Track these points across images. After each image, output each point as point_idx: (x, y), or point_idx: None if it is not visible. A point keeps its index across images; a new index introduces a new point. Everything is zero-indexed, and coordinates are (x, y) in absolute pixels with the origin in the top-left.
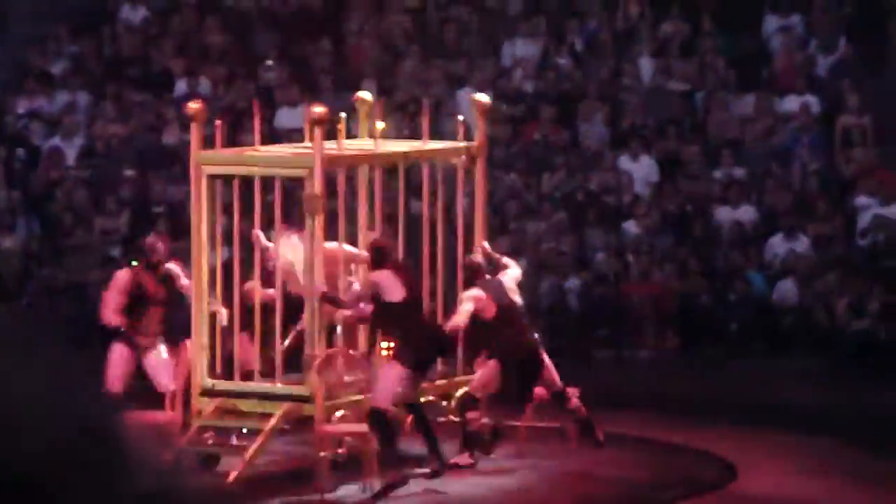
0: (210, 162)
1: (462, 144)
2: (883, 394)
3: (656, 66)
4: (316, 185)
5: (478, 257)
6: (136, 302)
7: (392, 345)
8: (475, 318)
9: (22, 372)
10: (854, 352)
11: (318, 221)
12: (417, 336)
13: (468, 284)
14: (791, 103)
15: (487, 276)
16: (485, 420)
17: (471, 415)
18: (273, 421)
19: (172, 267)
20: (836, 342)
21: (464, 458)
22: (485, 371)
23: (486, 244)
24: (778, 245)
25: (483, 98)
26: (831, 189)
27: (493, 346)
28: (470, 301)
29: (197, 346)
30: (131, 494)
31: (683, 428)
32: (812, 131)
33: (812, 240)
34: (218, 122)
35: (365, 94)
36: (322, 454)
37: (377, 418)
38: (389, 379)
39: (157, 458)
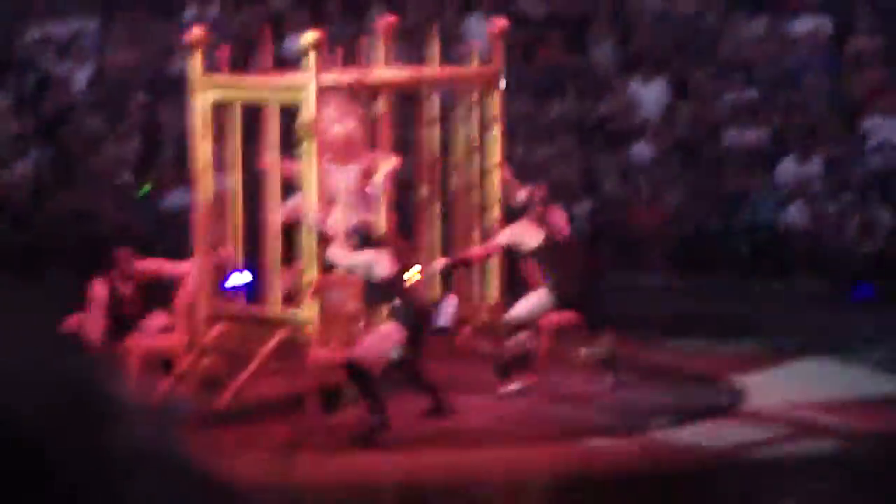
0: (208, 87)
1: (477, 70)
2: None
3: None
4: (309, 112)
5: (522, 194)
6: (115, 321)
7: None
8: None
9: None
10: (863, 274)
11: (314, 146)
12: (415, 303)
13: (513, 218)
14: (802, 24)
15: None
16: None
17: (520, 339)
18: (270, 345)
19: (149, 268)
20: (846, 264)
21: (524, 379)
22: (529, 300)
23: (507, 174)
24: (789, 168)
25: (500, 22)
26: (842, 111)
27: (552, 278)
28: (515, 228)
29: (203, 269)
30: (121, 453)
31: (690, 352)
32: (823, 53)
33: (823, 162)
34: (222, 48)
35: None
36: (314, 380)
37: (356, 372)
38: (384, 338)
39: (149, 414)
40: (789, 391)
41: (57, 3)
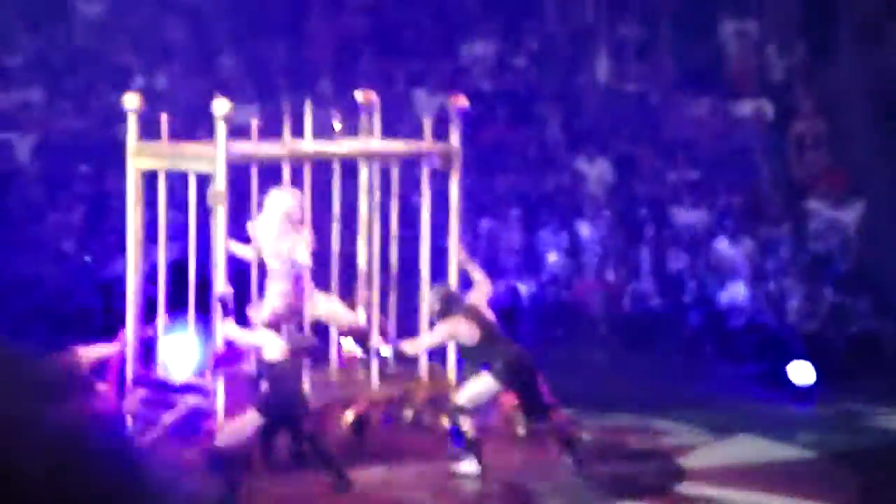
0: (139, 154)
1: (435, 146)
2: (831, 396)
3: (612, 68)
4: (219, 181)
5: (451, 287)
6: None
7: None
8: (460, 344)
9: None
10: (804, 354)
11: (222, 214)
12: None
13: (445, 314)
14: (744, 107)
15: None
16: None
17: (466, 423)
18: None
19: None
20: (787, 344)
21: (470, 465)
22: (475, 383)
23: (462, 252)
24: (727, 248)
25: (460, 98)
26: (784, 192)
27: (491, 365)
28: (447, 328)
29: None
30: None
31: (636, 429)
32: (766, 135)
33: (763, 243)
34: (163, 116)
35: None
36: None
37: (220, 462)
38: (241, 425)
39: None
40: (725, 471)
41: (2, 72)
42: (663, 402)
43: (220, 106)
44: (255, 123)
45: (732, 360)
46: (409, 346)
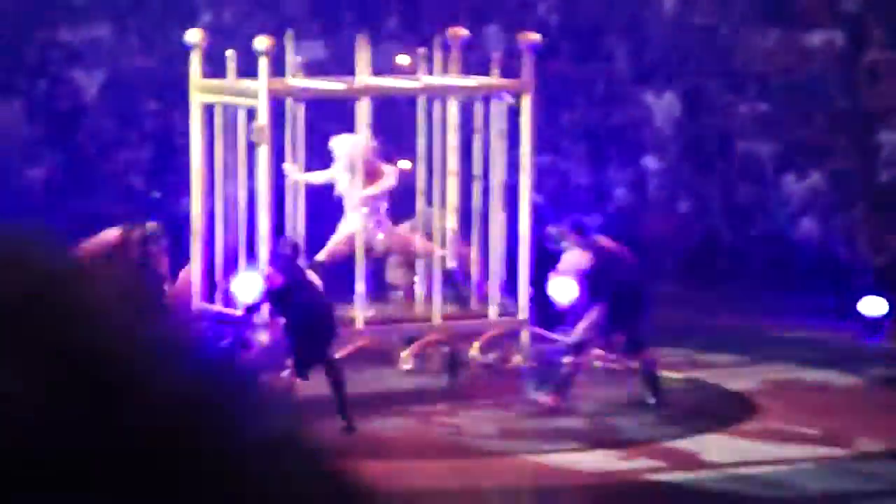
0: (200, 90)
1: (507, 82)
2: None
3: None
4: (261, 117)
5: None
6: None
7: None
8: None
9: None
10: (874, 288)
11: (264, 151)
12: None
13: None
14: (815, 37)
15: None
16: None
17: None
18: None
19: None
20: (857, 278)
21: (554, 399)
22: (587, 318)
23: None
24: (796, 181)
25: (530, 35)
26: (855, 124)
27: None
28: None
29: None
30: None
31: (701, 364)
32: (837, 65)
33: (832, 175)
34: (228, 53)
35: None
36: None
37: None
38: None
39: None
40: (793, 404)
41: (70, 8)
42: (732, 336)
43: (261, 42)
44: (230, 54)
45: (802, 294)
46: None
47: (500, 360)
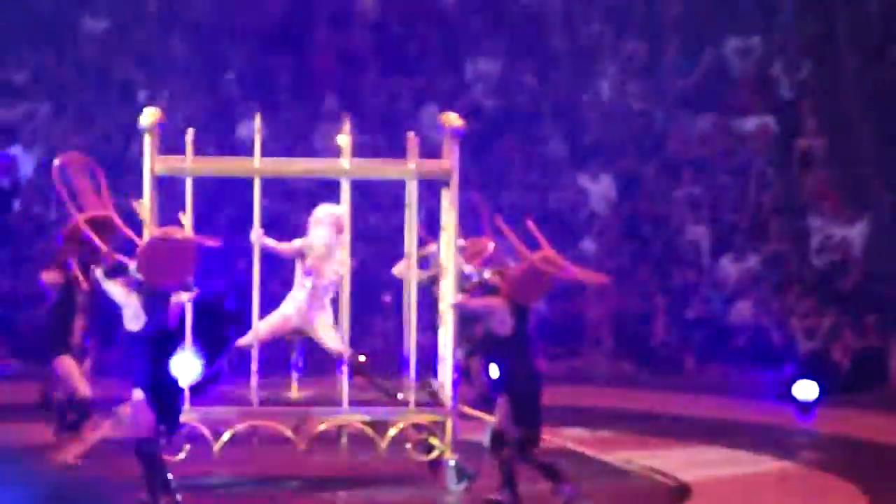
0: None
1: (430, 165)
2: (833, 414)
3: (616, 84)
4: (145, 193)
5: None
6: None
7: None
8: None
9: None
10: (806, 372)
11: (148, 228)
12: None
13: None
14: (749, 123)
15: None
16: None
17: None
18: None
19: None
20: (790, 361)
21: (568, 489)
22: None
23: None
24: (731, 265)
25: (455, 119)
26: (787, 209)
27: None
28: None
29: None
30: None
31: (638, 447)
32: (770, 151)
33: (766, 259)
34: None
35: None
36: None
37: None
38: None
39: None
40: (729, 487)
41: (7, 86)
42: (669, 420)
43: (146, 117)
44: (189, 133)
45: (736, 376)
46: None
47: (419, 448)
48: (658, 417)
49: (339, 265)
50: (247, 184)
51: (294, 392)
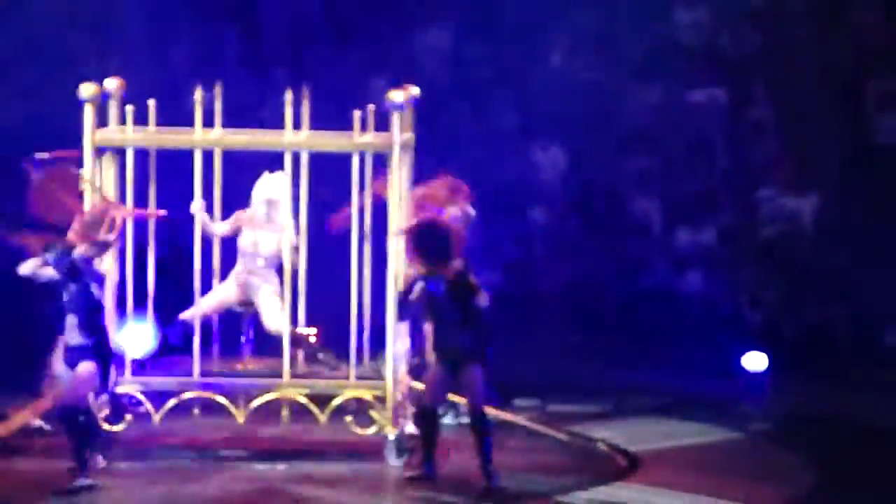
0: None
1: (382, 137)
2: (782, 385)
3: (567, 55)
4: (86, 166)
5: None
6: None
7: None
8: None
9: None
10: (755, 343)
11: (94, 197)
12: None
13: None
14: (698, 95)
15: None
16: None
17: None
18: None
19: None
20: (738, 332)
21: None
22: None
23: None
24: (684, 236)
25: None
26: (738, 180)
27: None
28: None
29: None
30: None
31: (586, 419)
32: (720, 122)
33: (718, 231)
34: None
35: None
36: None
37: (69, 419)
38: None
39: None
40: (676, 460)
41: None
42: (619, 391)
43: (86, 89)
44: (151, 104)
45: (687, 348)
46: None
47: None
48: (608, 390)
49: (283, 237)
50: (207, 156)
51: (244, 365)
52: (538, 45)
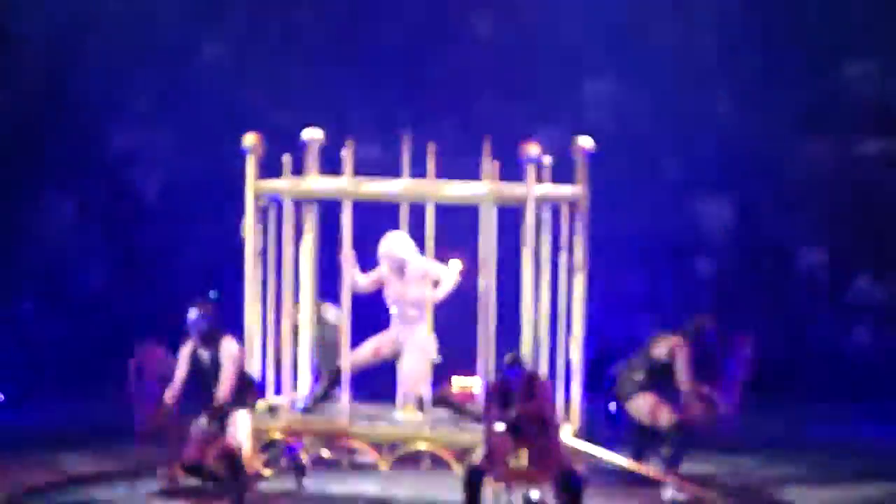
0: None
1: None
2: None
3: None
4: (247, 213)
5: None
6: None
7: None
8: None
9: None
10: None
11: (250, 248)
12: None
13: None
14: (871, 146)
15: None
16: None
17: None
18: None
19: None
20: None
21: None
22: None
23: None
24: (858, 288)
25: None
26: None
27: None
28: None
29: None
30: None
31: (756, 471)
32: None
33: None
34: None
35: None
36: None
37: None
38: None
39: None
40: None
41: (131, 114)
42: (790, 445)
43: (248, 139)
44: (286, 160)
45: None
46: None
47: None
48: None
49: (426, 287)
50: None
51: (400, 414)
52: (703, 95)
